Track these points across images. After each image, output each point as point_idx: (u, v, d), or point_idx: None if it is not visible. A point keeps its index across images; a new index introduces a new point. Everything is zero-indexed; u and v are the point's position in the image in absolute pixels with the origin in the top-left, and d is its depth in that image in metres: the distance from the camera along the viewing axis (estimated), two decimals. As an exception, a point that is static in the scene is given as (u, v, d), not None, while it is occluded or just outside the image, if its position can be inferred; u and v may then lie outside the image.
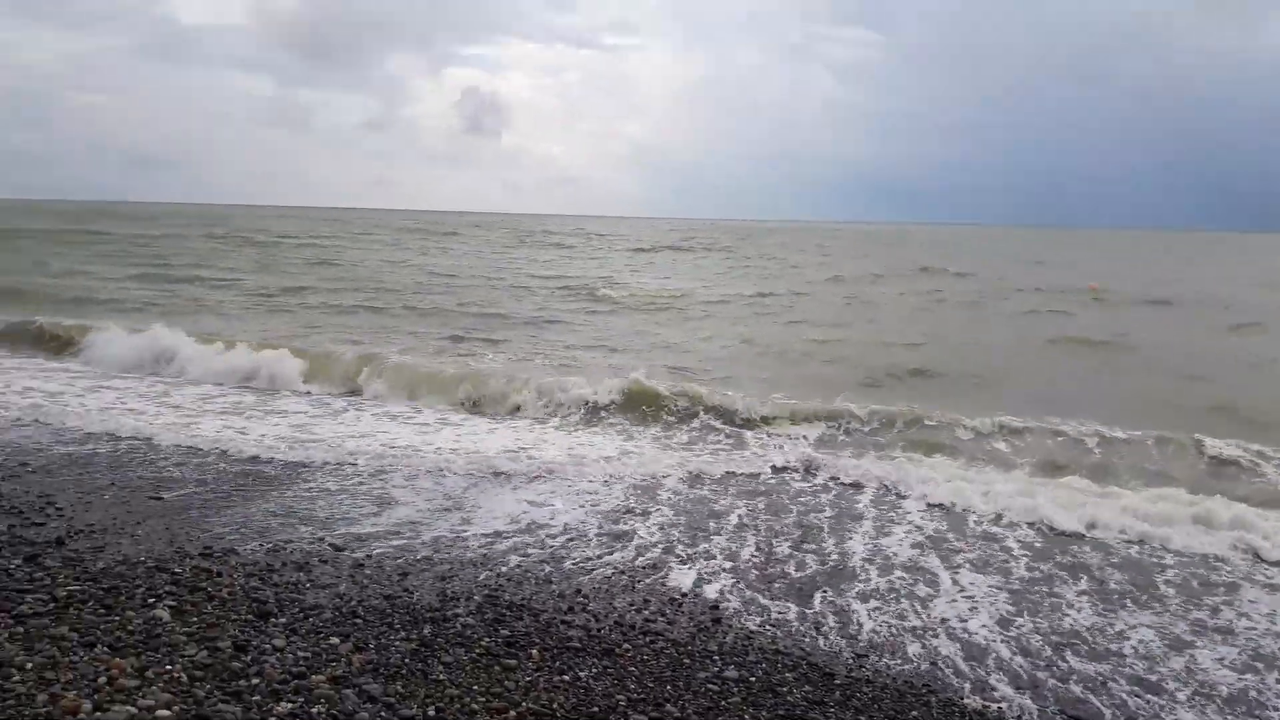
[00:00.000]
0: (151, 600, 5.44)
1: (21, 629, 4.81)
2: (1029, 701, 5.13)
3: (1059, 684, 5.34)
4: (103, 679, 4.22)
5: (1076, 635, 6.04)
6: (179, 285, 28.26)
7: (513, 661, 5.07)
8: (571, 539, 7.50)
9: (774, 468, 10.09)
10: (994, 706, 5.06)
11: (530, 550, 7.15)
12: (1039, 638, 5.97)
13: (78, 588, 5.54)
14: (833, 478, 9.69)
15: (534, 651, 5.24)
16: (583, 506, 8.41)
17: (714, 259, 50.99)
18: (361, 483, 8.86)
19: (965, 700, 5.10)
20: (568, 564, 6.90)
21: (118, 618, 5.11)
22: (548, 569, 6.75)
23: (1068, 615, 6.36)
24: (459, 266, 39.49)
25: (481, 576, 6.49)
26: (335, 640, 5.14)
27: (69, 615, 5.09)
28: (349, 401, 13.29)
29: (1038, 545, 7.83)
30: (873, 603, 6.44)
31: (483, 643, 5.30)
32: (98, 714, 3.78)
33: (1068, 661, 5.65)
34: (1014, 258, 58.51)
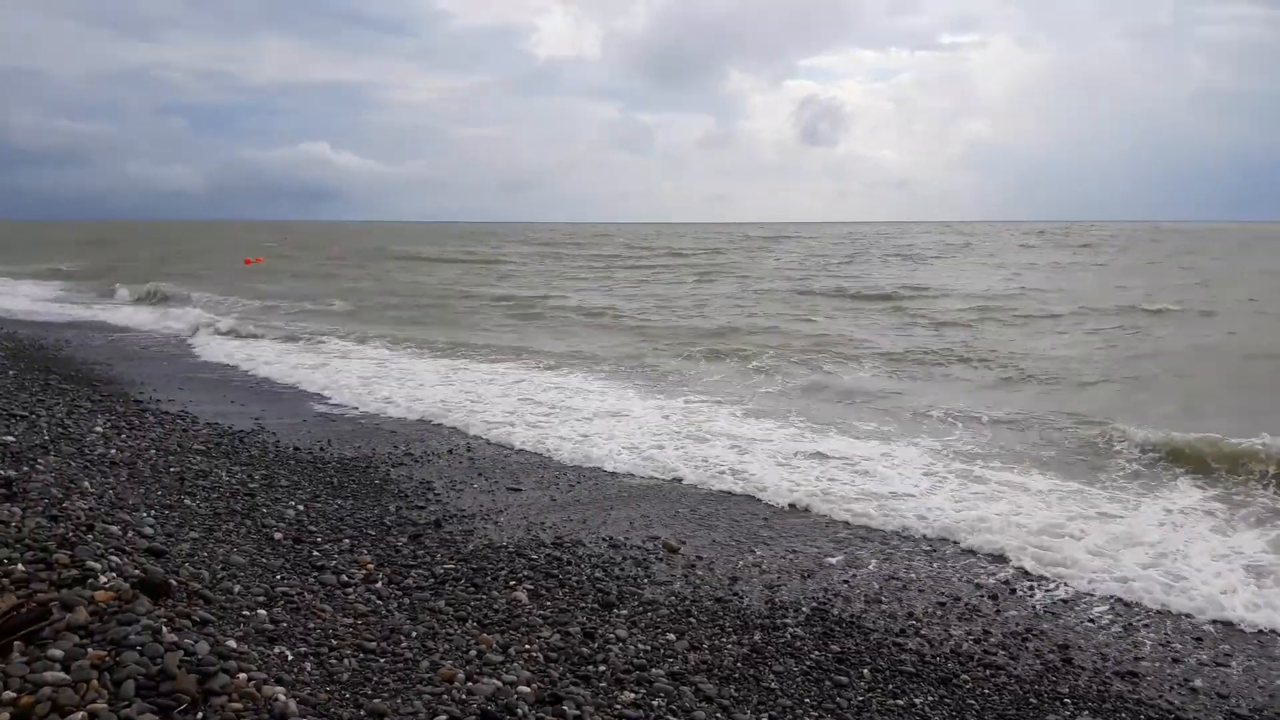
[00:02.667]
0: (513, 583, 5.99)
1: (408, 600, 5.50)
2: None
3: None
4: (473, 652, 4.71)
5: None
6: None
7: (844, 679, 5.01)
8: None
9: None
10: None
11: None
12: None
13: (452, 567, 6.23)
14: None
15: (865, 671, 5.14)
16: None
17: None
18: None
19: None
20: None
21: (484, 596, 5.69)
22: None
23: None
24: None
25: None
26: (671, 637, 5.36)
27: (445, 591, 5.74)
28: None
29: None
30: None
31: (813, 655, 5.29)
32: (469, 684, 4.22)
33: None
34: None
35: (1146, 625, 6.03)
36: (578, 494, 8.63)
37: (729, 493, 8.84)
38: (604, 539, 7.29)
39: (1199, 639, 5.84)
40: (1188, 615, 6.18)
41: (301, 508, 7.38)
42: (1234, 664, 5.49)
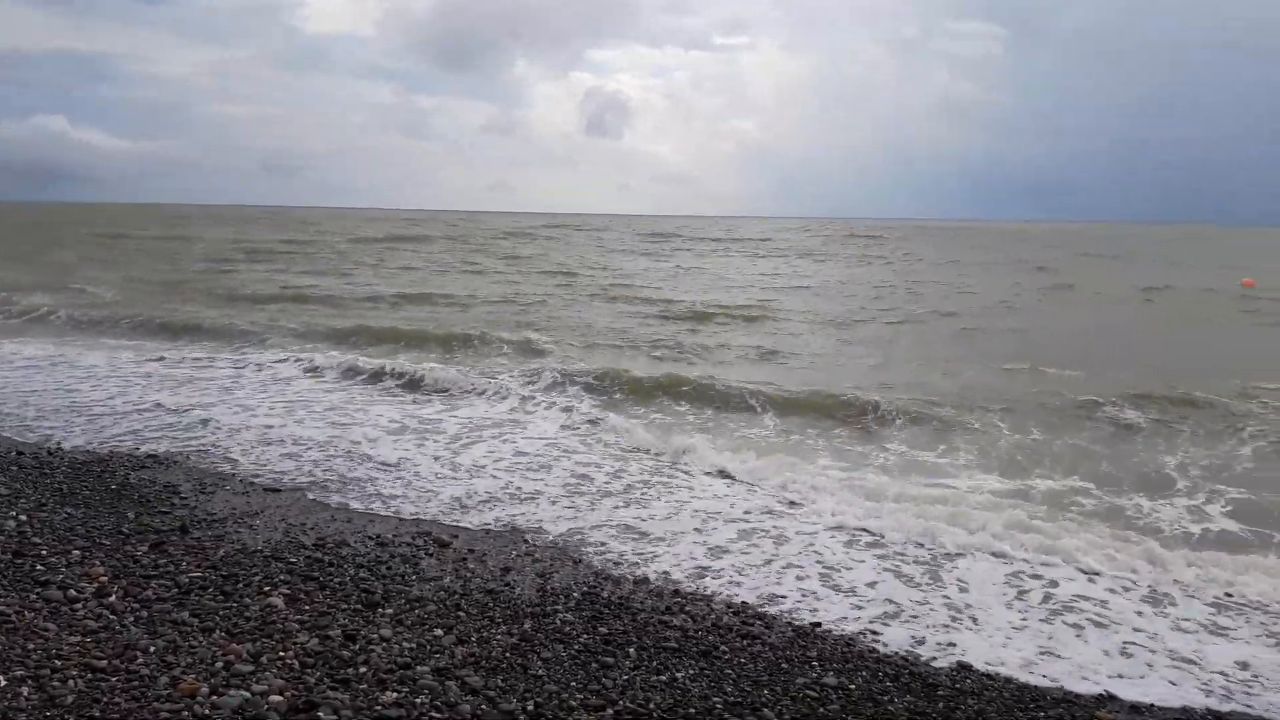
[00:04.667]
0: (268, 589, 5.68)
1: (146, 613, 5.08)
2: None
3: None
4: (220, 663, 4.42)
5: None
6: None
7: (610, 659, 5.11)
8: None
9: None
10: None
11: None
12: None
13: (199, 575, 5.82)
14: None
15: (631, 650, 5.26)
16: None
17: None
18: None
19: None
20: (666, 563, 6.89)
21: (235, 605, 5.35)
22: (646, 568, 6.75)
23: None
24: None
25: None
26: (439, 632, 5.26)
27: (190, 601, 5.36)
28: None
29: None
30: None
31: (581, 639, 5.35)
32: (214, 698, 3.96)
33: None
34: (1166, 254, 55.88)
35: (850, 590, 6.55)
36: (345, 493, 8.29)
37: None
38: (371, 538, 7.05)
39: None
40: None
41: (24, 518, 6.67)
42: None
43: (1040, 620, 6.11)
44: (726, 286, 30.84)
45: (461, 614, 5.62)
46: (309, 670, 4.52)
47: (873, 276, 36.70)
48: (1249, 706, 5.08)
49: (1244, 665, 5.54)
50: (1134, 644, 5.82)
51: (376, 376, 13.98)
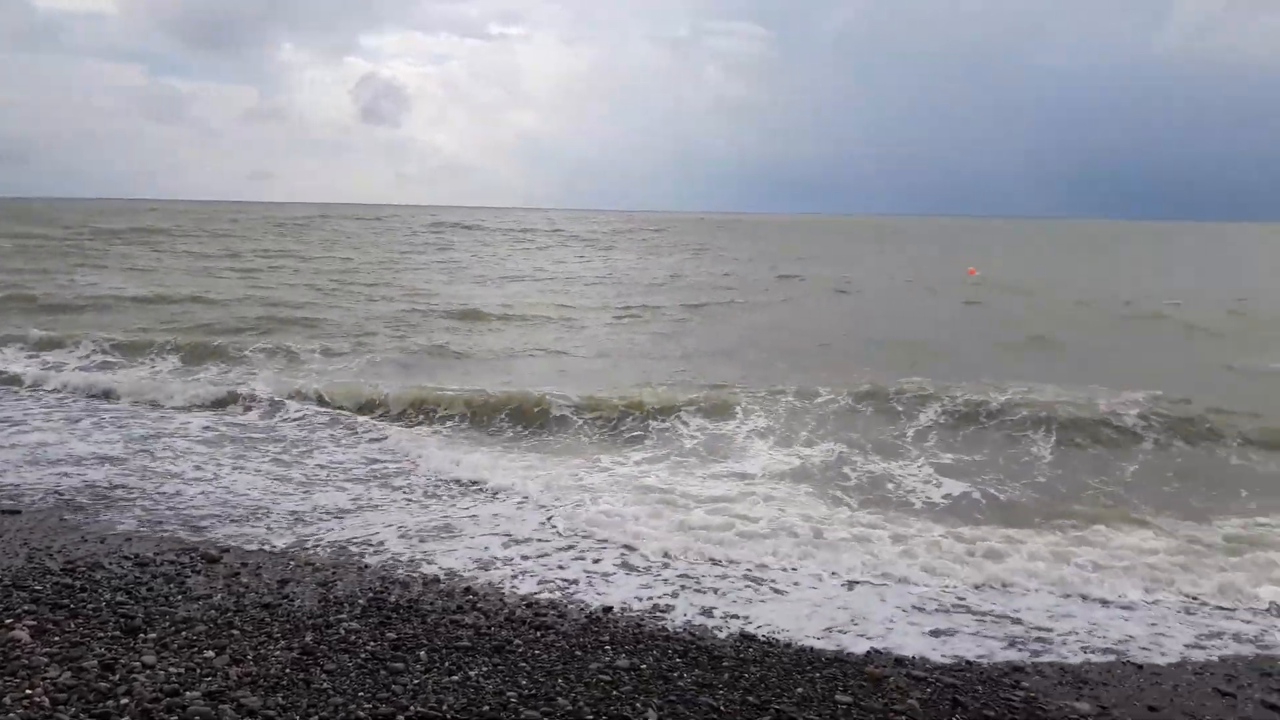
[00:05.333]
0: (9, 621, 5.12)
1: None
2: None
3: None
4: (-49, 711, 3.95)
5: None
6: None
7: (400, 665, 4.97)
8: (460, 536, 7.39)
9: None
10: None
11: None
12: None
13: (-76, 614, 5.17)
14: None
15: (421, 653, 5.15)
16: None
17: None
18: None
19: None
20: (456, 561, 6.79)
21: (-31, 643, 4.79)
22: (436, 567, 6.63)
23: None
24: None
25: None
26: (211, 654, 4.93)
27: (-87, 644, 4.75)
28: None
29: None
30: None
31: (368, 647, 5.18)
32: (-55, 750, 3.53)
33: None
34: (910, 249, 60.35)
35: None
36: (94, 510, 7.60)
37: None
38: (129, 558, 6.50)
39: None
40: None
41: None
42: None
43: (821, 589, 6.52)
44: (496, 281, 30.50)
45: (235, 632, 5.29)
46: (62, 707, 4.11)
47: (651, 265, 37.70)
48: (989, 654, 5.66)
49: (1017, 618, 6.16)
50: (904, 607, 6.32)
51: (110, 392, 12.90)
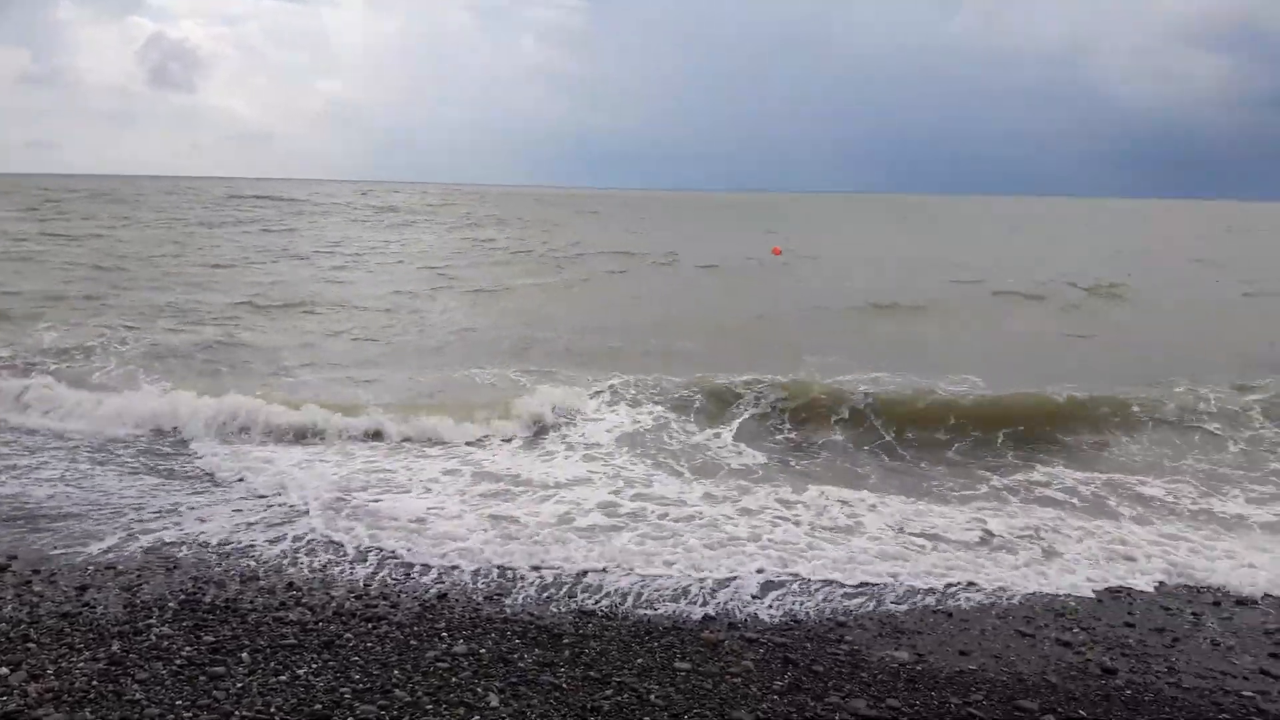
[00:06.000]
0: None
1: None
2: None
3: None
4: None
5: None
6: None
7: (221, 669, 4.69)
8: (280, 528, 7.03)
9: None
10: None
11: (234, 545, 6.61)
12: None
13: None
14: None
15: (244, 655, 4.87)
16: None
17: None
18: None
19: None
20: (277, 555, 6.46)
21: None
22: (255, 563, 6.28)
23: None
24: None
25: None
26: (5, 671, 4.49)
27: None
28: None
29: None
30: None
31: (184, 653, 4.85)
32: None
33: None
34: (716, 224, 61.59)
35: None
36: None
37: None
38: (-108, 574, 5.81)
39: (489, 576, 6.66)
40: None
41: None
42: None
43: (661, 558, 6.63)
44: (294, 260, 28.42)
45: (32, 645, 4.84)
46: None
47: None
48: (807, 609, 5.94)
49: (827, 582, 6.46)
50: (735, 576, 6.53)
51: None
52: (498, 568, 6.39)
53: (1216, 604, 6.26)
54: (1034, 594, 6.32)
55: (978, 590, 6.34)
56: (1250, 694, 4.97)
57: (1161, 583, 6.58)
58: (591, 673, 4.88)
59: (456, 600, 5.84)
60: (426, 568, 6.35)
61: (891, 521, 7.52)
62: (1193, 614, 6.05)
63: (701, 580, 6.32)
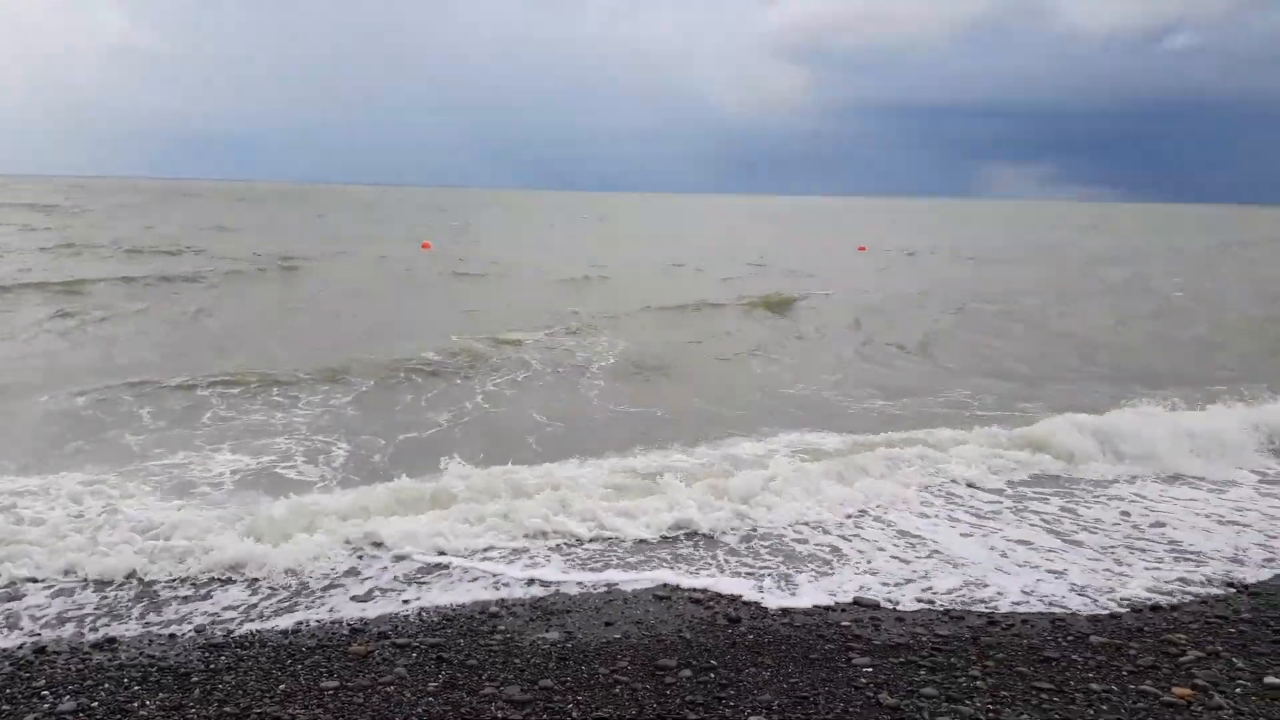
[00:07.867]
0: None
1: None
2: None
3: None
4: None
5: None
6: None
7: None
8: None
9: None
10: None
11: None
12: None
13: None
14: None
15: None
16: None
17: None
18: None
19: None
20: None
21: None
22: None
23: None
24: None
25: None
26: None
27: None
28: None
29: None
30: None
31: None
32: None
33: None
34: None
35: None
36: None
37: None
38: None
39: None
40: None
41: None
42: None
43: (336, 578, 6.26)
44: None
45: None
46: None
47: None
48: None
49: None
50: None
51: None
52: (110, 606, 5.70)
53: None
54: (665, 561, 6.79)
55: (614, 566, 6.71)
56: (847, 624, 5.71)
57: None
58: (227, 708, 4.50)
59: (57, 655, 5.11)
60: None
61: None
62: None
63: (347, 595, 6.08)
